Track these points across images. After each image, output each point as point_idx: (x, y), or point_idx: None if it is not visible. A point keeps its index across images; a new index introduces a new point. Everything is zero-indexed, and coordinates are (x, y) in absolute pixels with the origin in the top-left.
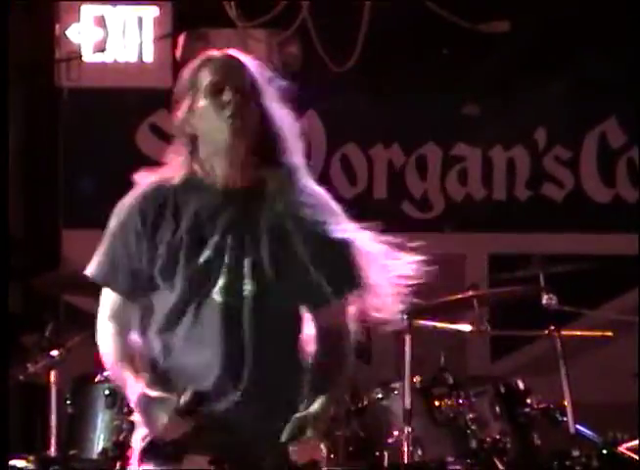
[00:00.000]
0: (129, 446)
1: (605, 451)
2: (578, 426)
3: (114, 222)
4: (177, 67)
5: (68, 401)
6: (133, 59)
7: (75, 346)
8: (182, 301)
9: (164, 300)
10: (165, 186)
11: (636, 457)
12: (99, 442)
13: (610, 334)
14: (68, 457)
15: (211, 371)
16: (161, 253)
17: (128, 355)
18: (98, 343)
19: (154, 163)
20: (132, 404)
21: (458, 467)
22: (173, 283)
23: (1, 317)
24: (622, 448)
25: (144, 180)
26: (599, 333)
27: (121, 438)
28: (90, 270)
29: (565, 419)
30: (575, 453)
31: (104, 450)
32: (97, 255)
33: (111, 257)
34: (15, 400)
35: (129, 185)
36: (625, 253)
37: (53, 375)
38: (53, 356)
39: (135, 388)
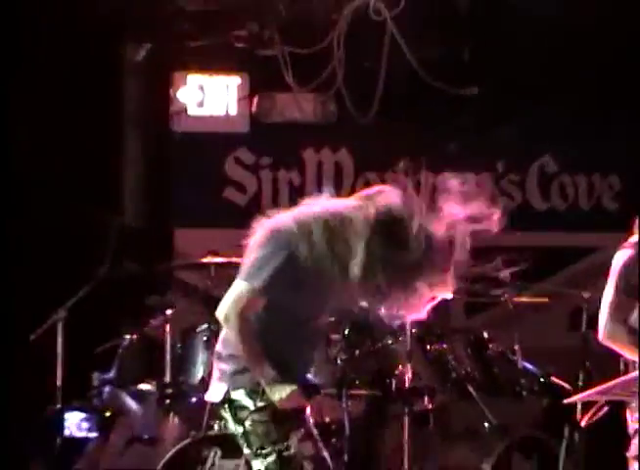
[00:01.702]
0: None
1: (542, 380)
2: (525, 363)
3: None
4: (252, 117)
5: (178, 345)
6: (222, 112)
7: (183, 307)
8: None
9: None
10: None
11: (565, 385)
12: (199, 372)
13: (546, 300)
14: (178, 383)
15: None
16: None
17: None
18: (239, 330)
19: (237, 184)
20: (263, 383)
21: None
22: None
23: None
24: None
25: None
26: (539, 299)
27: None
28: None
29: (515, 358)
30: (523, 381)
31: (202, 378)
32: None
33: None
34: (140, 346)
35: (221, 198)
36: (556, 245)
37: (168, 327)
38: (168, 315)
39: (271, 374)
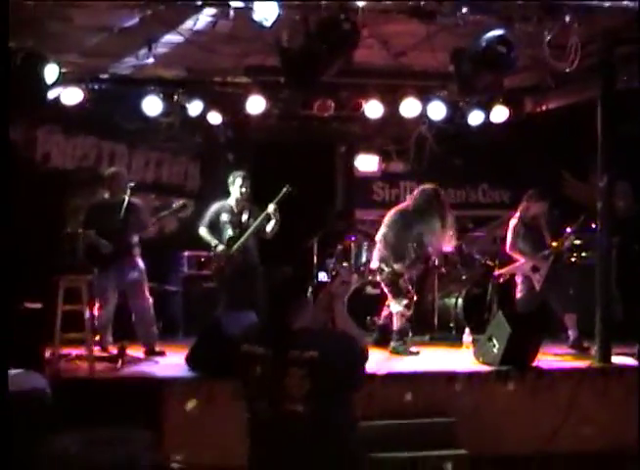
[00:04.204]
0: None
1: (482, 261)
2: (476, 255)
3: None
4: (382, 170)
5: (356, 251)
6: (370, 169)
7: (358, 237)
8: None
9: None
10: None
11: (491, 264)
12: (362, 260)
13: (483, 234)
14: (357, 264)
15: None
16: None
17: None
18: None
19: (377, 193)
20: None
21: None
22: None
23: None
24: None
25: None
26: (480, 233)
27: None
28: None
29: (474, 254)
30: (476, 263)
31: (363, 262)
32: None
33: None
34: (344, 251)
35: (371, 199)
36: (491, 215)
37: (352, 245)
38: (352, 239)
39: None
